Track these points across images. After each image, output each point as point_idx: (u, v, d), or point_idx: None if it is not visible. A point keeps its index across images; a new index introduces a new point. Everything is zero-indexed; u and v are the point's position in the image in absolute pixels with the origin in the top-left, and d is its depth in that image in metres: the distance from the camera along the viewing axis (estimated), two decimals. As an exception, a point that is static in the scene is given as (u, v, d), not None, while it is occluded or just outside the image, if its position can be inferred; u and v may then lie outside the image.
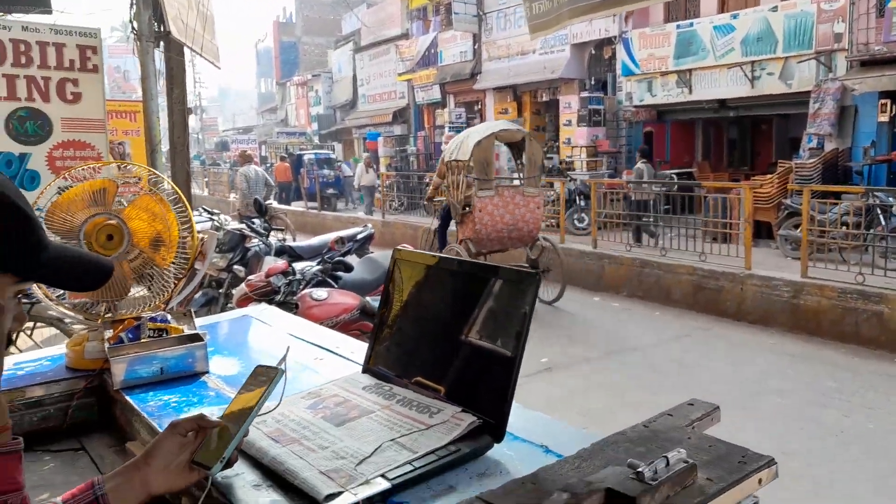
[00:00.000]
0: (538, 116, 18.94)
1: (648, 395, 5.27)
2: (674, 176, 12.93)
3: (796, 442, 4.37)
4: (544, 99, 18.36)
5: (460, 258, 1.42)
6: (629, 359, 6.18)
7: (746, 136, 16.74)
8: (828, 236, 7.54)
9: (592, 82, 16.46)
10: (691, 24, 13.66)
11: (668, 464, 0.80)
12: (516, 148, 9.17)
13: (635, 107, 15.36)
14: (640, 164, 11.55)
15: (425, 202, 11.65)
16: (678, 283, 8.25)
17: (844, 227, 7.65)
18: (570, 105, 16.26)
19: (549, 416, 1.28)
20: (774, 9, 12.24)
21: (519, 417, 1.12)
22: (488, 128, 8.88)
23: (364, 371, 1.41)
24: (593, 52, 16.44)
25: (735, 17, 12.92)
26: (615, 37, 15.29)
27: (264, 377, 1.11)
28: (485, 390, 1.16)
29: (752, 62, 12.66)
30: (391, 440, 1.08)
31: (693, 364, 5.98)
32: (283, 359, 1.12)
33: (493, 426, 1.07)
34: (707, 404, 1.08)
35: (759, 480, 0.84)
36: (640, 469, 0.78)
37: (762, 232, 10.15)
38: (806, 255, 7.21)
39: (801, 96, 12.01)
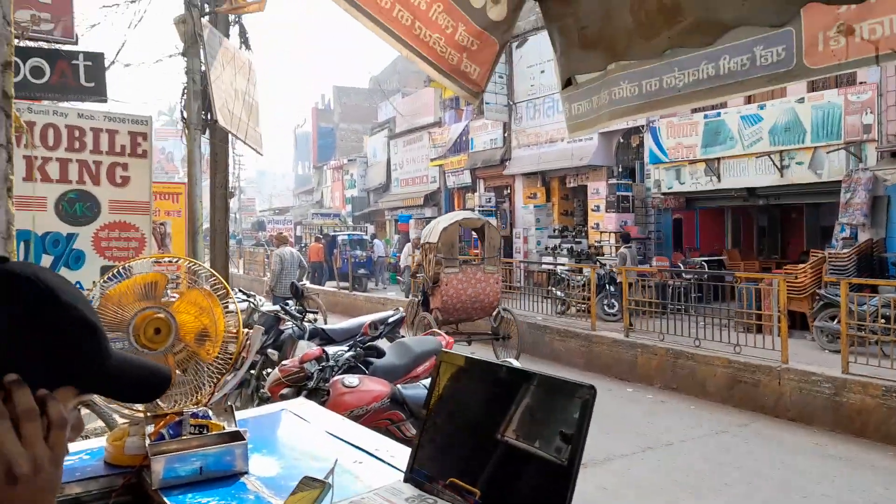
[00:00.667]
0: (566, 201, 19.13)
1: (686, 496, 5.04)
2: (703, 263, 12.84)
3: (847, 553, 4.10)
4: (572, 185, 18.59)
5: (504, 364, 1.40)
6: (664, 455, 5.95)
7: (776, 224, 16.66)
8: (867, 329, 7.34)
9: (620, 169, 16.65)
10: (718, 114, 13.87)
11: None
12: (480, 232, 10.64)
13: (664, 194, 15.44)
14: (623, 249, 11.71)
15: (411, 277, 13.25)
16: (713, 376, 8.03)
17: (884, 321, 7.44)
18: (598, 191, 16.42)
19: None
20: (801, 100, 12.40)
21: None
22: (454, 216, 10.75)
23: (406, 480, 1.37)
24: (621, 140, 16.72)
25: (762, 107, 13.10)
26: (643, 126, 15.56)
27: (310, 488, 1.08)
28: (536, 498, 1.13)
29: (781, 151, 12.74)
30: (439, 562, 1.04)
31: (731, 464, 5.73)
32: (331, 472, 1.09)
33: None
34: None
35: None
36: None
37: (796, 322, 9.93)
38: (846, 350, 6.99)
39: (831, 185, 11.98)
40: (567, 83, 2.85)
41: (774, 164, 12.85)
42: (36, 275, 0.76)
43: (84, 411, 4.48)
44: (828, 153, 12.07)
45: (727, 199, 14.83)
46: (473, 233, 11.52)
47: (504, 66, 19.10)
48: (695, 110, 14.80)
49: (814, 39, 2.03)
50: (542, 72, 18.03)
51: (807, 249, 13.21)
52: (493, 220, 13.35)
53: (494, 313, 10.17)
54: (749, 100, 13.94)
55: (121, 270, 1.75)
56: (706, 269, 11.70)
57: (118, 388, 0.86)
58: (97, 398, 1.68)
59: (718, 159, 13.89)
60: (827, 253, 10.54)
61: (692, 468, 5.61)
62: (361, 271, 18.73)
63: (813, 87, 12.82)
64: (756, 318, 8.80)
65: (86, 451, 1.70)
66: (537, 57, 18.19)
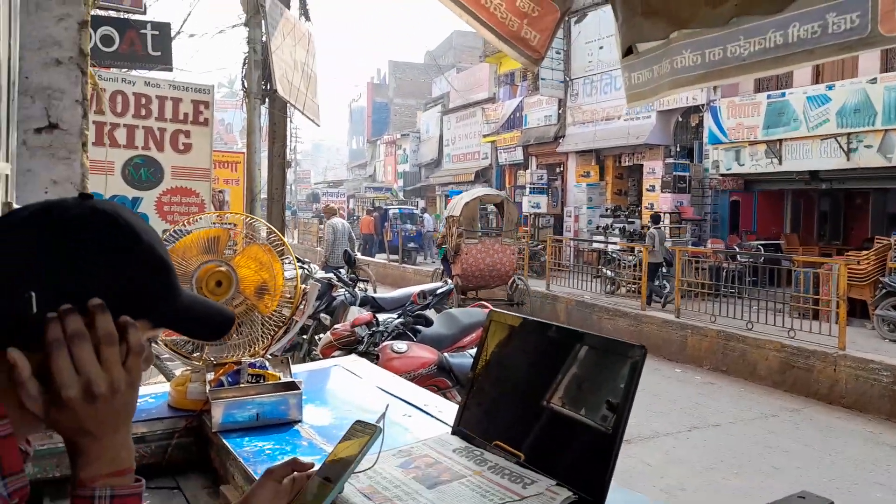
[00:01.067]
0: (620, 180, 18.81)
1: (732, 476, 4.99)
2: (760, 247, 12.50)
3: (899, 543, 4.01)
4: (627, 164, 18.26)
5: (555, 323, 1.41)
6: (711, 436, 5.89)
7: (839, 209, 16.03)
8: (933, 320, 7.06)
9: (678, 149, 16.27)
10: (783, 95, 13.38)
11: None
12: (500, 207, 12.25)
13: (722, 175, 15.03)
14: (652, 230, 11.57)
15: (436, 247, 14.27)
16: (765, 360, 7.86)
17: (952, 312, 7.14)
18: (654, 171, 16.09)
19: (643, 496, 1.23)
20: (874, 80, 11.85)
21: (613, 494, 1.09)
22: (475, 192, 12.48)
23: (453, 432, 1.41)
24: (680, 119, 16.30)
25: (830, 87, 12.58)
26: (703, 105, 15.13)
27: (362, 433, 1.12)
28: (578, 463, 1.13)
29: (849, 134, 12.22)
30: (484, 507, 1.07)
31: (780, 447, 5.63)
32: (383, 417, 1.13)
33: (589, 502, 1.05)
34: (821, 499, 1.02)
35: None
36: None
37: (856, 311, 9.60)
38: (909, 338, 6.75)
39: (902, 170, 11.48)
40: (627, 52, 2.80)
41: (841, 146, 12.34)
42: (118, 212, 0.81)
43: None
44: (899, 136, 11.54)
45: (788, 182, 14.35)
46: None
47: (561, 42, 18.78)
48: (758, 90, 14.32)
49: (891, 5, 1.95)
50: (601, 48, 17.67)
51: (871, 236, 12.70)
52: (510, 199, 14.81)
53: (510, 282, 11.39)
54: (816, 79, 13.40)
55: (181, 228, 1.82)
56: (762, 253, 11.40)
57: (187, 325, 0.90)
58: (162, 348, 1.76)
59: (780, 141, 13.42)
60: (893, 240, 10.12)
61: (738, 450, 5.54)
62: (411, 245, 18.88)
63: (887, 68, 12.23)
64: (813, 304, 8.56)
65: (151, 394, 1.79)
66: (596, 32, 17.82)
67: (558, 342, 1.31)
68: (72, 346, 0.73)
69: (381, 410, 1.51)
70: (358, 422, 1.16)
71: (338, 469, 1.06)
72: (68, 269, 0.76)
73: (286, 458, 1.10)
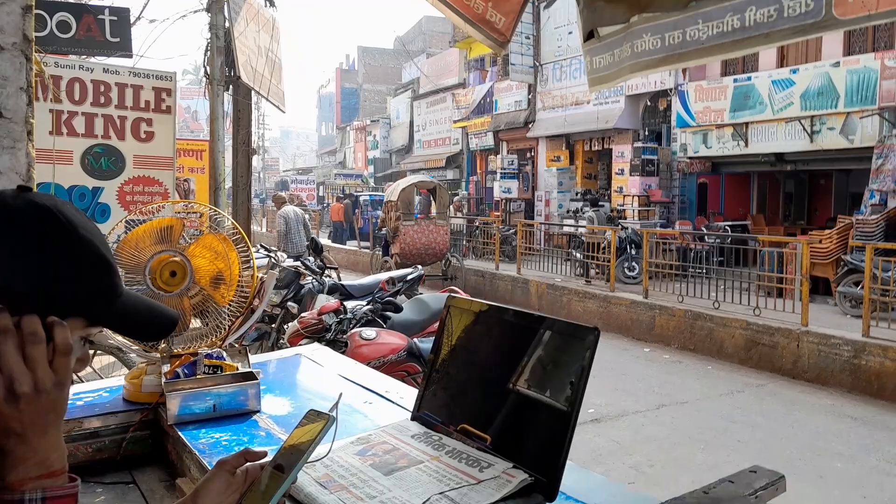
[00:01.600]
0: (590, 164, 18.93)
1: (698, 451, 5.08)
2: (727, 228, 12.69)
3: (859, 514, 4.13)
4: (597, 148, 18.36)
5: (514, 308, 1.41)
6: (679, 413, 5.99)
7: (804, 190, 16.34)
8: (891, 295, 7.23)
9: (646, 133, 16.40)
10: (749, 78, 13.54)
11: (730, 538, 0.76)
12: (433, 192, 13.68)
13: (689, 158, 15.20)
14: (590, 213, 11.86)
15: (378, 231, 15.09)
16: (731, 338, 8.00)
17: (910, 288, 7.33)
18: (623, 154, 16.21)
19: (601, 475, 1.24)
20: (836, 64, 12.04)
21: (571, 475, 1.09)
22: (410, 180, 14.14)
23: (413, 418, 1.40)
24: (648, 103, 16.43)
25: (795, 71, 12.76)
26: (671, 89, 15.25)
27: (315, 422, 1.11)
28: (536, 444, 1.14)
29: (812, 116, 12.43)
30: (440, 493, 1.07)
31: (745, 421, 5.76)
32: (336, 405, 1.12)
33: (545, 484, 1.05)
34: (771, 472, 1.04)
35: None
36: (701, 542, 0.75)
37: (819, 288, 9.81)
38: (868, 313, 6.93)
39: (863, 152, 11.69)
40: (589, 36, 2.80)
41: (805, 129, 12.55)
42: (57, 206, 0.79)
43: (107, 357, 4.62)
44: (861, 118, 11.75)
45: (754, 164, 14.57)
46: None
47: (530, 27, 18.76)
48: (724, 74, 14.47)
49: (842, -12, 1.97)
50: (570, 33, 17.67)
51: (834, 216, 12.98)
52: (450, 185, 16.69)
53: (444, 259, 12.62)
54: (781, 63, 13.58)
55: (135, 217, 1.78)
56: (729, 234, 11.57)
57: (126, 324, 0.88)
58: (118, 338, 1.73)
59: (747, 124, 13.61)
60: (854, 219, 10.35)
61: (706, 425, 5.65)
62: (382, 231, 18.79)
63: (849, 51, 12.43)
64: (778, 283, 8.72)
65: (105, 388, 1.76)
66: (565, 18, 17.82)
67: (517, 326, 1.31)
68: None
69: (343, 397, 1.50)
70: (311, 410, 1.14)
71: (291, 458, 1.05)
72: (2, 265, 0.74)
73: (239, 451, 1.08)
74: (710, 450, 5.11)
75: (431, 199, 14.02)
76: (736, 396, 6.58)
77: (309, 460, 1.07)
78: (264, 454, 1.04)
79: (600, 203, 15.98)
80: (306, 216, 11.88)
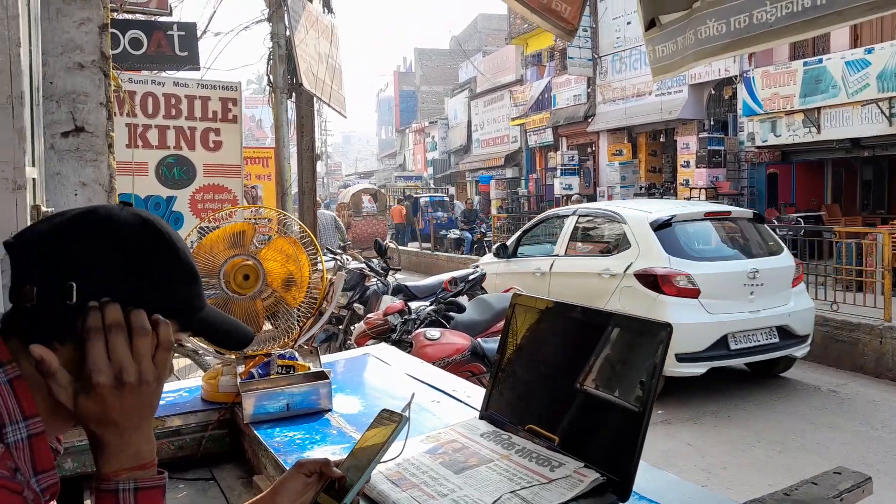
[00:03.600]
0: (654, 157, 18.52)
1: (775, 454, 4.90)
2: (800, 220, 12.20)
3: (953, 518, 3.90)
4: (661, 140, 17.95)
5: (580, 305, 1.39)
6: (752, 414, 5.79)
7: (883, 177, 15.53)
8: (985, 288, 6.82)
9: (712, 123, 15.93)
10: (820, 61, 12.98)
11: (816, 540, 0.73)
12: (374, 196, 20.98)
13: (758, 148, 14.68)
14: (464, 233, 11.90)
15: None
16: (808, 335, 7.69)
17: None
18: (688, 146, 15.79)
19: (677, 476, 1.22)
20: (916, 42, 11.44)
21: (644, 475, 1.08)
22: (358, 188, 21.91)
23: (481, 417, 1.41)
24: (712, 91, 15.96)
25: (870, 51, 12.16)
26: (736, 76, 14.78)
27: (388, 422, 1.13)
28: (607, 444, 1.12)
29: (890, 98, 11.82)
30: (511, 492, 1.06)
31: (824, 423, 5.52)
32: (408, 405, 1.13)
33: (617, 484, 1.04)
34: (857, 474, 0.99)
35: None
36: (785, 543, 0.73)
37: (903, 281, 9.32)
38: (959, 308, 6.54)
39: (948, 134, 11.07)
40: (650, 25, 2.74)
41: (882, 112, 11.94)
42: (157, 220, 0.87)
43: (183, 360, 4.80)
44: (944, 98, 11.12)
45: (828, 152, 13.96)
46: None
47: (588, 19, 18.50)
48: (793, 57, 13.92)
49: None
50: (629, 23, 17.35)
51: (918, 203, 12.31)
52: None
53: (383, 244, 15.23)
54: (855, 43, 12.97)
55: (207, 224, 1.85)
56: (802, 225, 11.12)
57: (211, 332, 0.95)
58: (194, 341, 1.79)
59: (818, 109, 13.04)
60: (940, 206, 9.79)
61: (782, 426, 5.44)
62: (443, 232, 18.90)
63: (929, 26, 11.78)
64: (857, 276, 8.33)
65: (184, 388, 1.83)
66: (622, 8, 17.52)
67: (585, 324, 1.29)
68: (108, 335, 0.77)
69: (408, 398, 1.52)
70: (384, 410, 1.16)
71: (365, 458, 1.07)
72: (113, 269, 0.80)
73: (316, 450, 1.11)
74: (788, 452, 4.93)
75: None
76: (814, 396, 6.31)
77: (383, 461, 1.09)
78: (341, 477, 1.06)
79: (657, 194, 15.62)
80: (339, 220, 12.18)
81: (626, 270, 6.25)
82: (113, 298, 0.79)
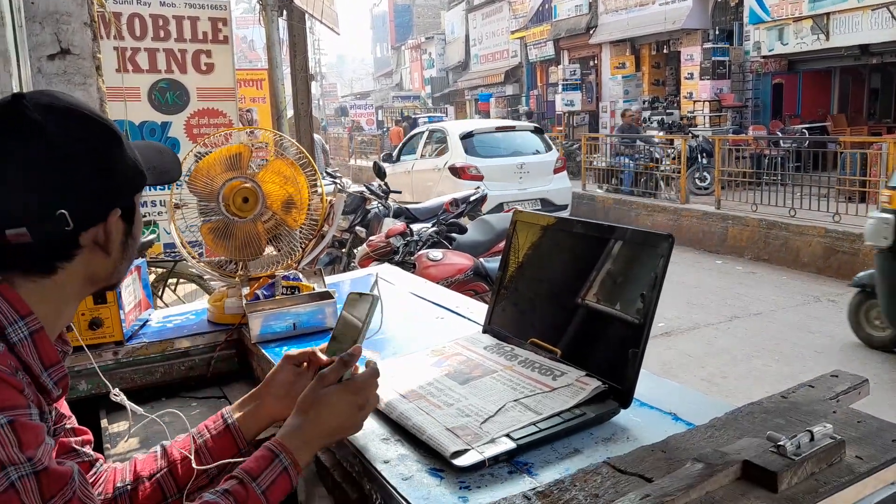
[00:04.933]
0: (657, 70, 18.10)
1: (773, 363, 5.02)
2: (804, 131, 12.03)
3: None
4: (664, 52, 17.49)
5: (582, 219, 1.39)
6: (752, 325, 5.89)
7: (891, 84, 15.20)
8: None
9: (717, 32, 15.47)
10: (832, -37, 12.49)
11: (812, 438, 0.76)
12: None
13: (764, 57, 14.32)
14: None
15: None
16: (808, 246, 7.73)
17: None
18: (692, 57, 15.40)
19: (678, 384, 1.24)
20: (932, -60, 10.95)
21: (645, 383, 1.10)
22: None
23: (484, 331, 1.43)
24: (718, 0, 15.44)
25: (884, -48, 11.66)
26: (744, -18, 14.25)
27: (361, 303, 1.15)
28: (608, 354, 1.14)
29: (903, 2, 11.44)
30: (515, 401, 1.09)
31: (823, 332, 5.62)
32: (375, 284, 1.15)
33: (619, 391, 1.06)
34: (853, 376, 1.01)
35: (917, 461, 0.78)
36: (781, 442, 0.75)
37: (908, 191, 9.27)
38: (961, 216, 6.52)
39: (960, 38, 10.76)
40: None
41: (893, 16, 11.57)
42: (77, 104, 0.85)
43: (189, 285, 4.86)
44: (958, 0, 10.74)
45: (836, 60, 13.62)
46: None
47: (589, -76, 17.70)
48: (803, -41, 13.36)
49: None
50: (631, -73, 16.60)
51: (926, 111, 12.10)
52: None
53: None
54: (868, -57, 12.42)
55: (201, 149, 1.82)
56: (806, 136, 10.98)
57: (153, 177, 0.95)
58: (199, 266, 1.81)
59: (828, 14, 12.64)
60: (948, 113, 9.62)
61: (780, 337, 5.55)
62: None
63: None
64: (861, 186, 8.28)
65: (191, 311, 1.85)
66: (625, -90, 16.70)
67: (586, 238, 1.29)
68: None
69: (415, 315, 1.54)
70: (352, 293, 1.18)
71: (348, 339, 1.10)
72: (81, 174, 0.81)
73: (306, 349, 1.13)
74: (786, 361, 5.04)
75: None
76: (813, 306, 6.41)
77: (368, 337, 1.11)
78: (329, 363, 1.09)
79: (660, 108, 15.43)
80: (325, 143, 12.75)
81: (444, 165, 9.70)
82: (89, 203, 0.81)
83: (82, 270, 0.84)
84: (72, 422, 0.96)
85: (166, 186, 1.38)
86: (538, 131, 10.59)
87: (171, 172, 1.03)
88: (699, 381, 4.69)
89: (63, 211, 0.78)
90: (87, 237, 0.82)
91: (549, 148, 10.27)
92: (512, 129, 10.59)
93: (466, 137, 9.76)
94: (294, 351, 1.11)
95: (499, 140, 10.09)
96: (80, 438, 0.97)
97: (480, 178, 8.98)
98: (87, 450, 0.98)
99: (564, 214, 8.18)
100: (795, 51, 13.63)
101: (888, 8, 11.57)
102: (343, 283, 2.09)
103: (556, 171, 9.90)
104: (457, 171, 9.34)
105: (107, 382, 1.32)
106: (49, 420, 0.82)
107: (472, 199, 6.37)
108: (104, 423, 1.46)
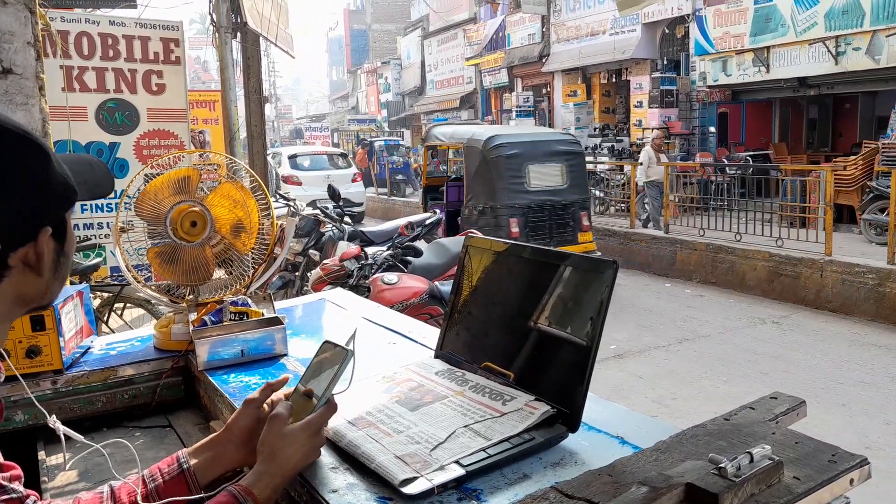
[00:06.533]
0: (608, 98, 18.55)
1: (721, 384, 5.13)
2: (748, 158, 12.47)
3: (881, 437, 4.17)
4: (614, 80, 17.96)
5: (532, 245, 1.41)
6: (701, 346, 6.03)
7: (828, 115, 15.92)
8: (919, 221, 7.12)
9: (665, 62, 15.98)
10: (770, 0, 13.06)
11: (752, 460, 0.77)
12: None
13: (709, 87, 14.83)
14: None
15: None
16: (753, 270, 7.97)
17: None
18: (641, 86, 15.85)
19: (624, 406, 1.26)
20: (863, -20, 11.56)
21: (593, 407, 1.11)
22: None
23: (436, 356, 1.43)
24: (666, 31, 15.95)
25: (819, -11, 12.27)
26: (688, 15, 14.77)
27: (334, 357, 1.12)
28: (558, 378, 1.15)
29: (837, 37, 12.00)
30: (465, 426, 1.09)
31: (768, 353, 5.78)
32: (352, 338, 1.13)
33: (567, 415, 1.07)
34: (791, 398, 1.05)
35: (851, 481, 0.80)
36: (722, 465, 0.77)
37: (844, 216, 9.69)
38: (894, 240, 6.83)
39: (889, 72, 11.34)
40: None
41: (829, 50, 12.15)
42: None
43: (136, 309, 4.73)
44: (887, 37, 11.33)
45: (776, 91, 14.19)
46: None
47: (541, -45, 18.15)
48: (745, -5, 13.95)
49: None
50: (582, -41, 17.09)
51: (859, 141, 12.67)
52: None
53: None
54: (805, -19, 13.04)
55: (151, 172, 1.79)
56: (751, 164, 11.37)
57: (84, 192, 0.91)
58: (147, 291, 1.76)
59: (768, 48, 13.19)
60: (881, 143, 10.10)
61: (728, 358, 5.68)
62: (399, 177, 18.73)
63: (875, -35, 11.89)
64: (801, 212, 8.62)
65: (136, 338, 1.80)
66: (576, -57, 17.19)
67: (536, 263, 1.31)
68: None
69: (366, 339, 1.53)
70: (327, 342, 1.16)
71: (317, 385, 1.07)
72: (6, 192, 0.77)
73: (264, 389, 1.11)
74: (733, 382, 5.16)
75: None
76: (758, 328, 6.59)
77: (334, 393, 1.09)
78: (286, 380, 1.07)
79: (610, 136, 15.78)
80: (275, 167, 15.20)
81: (280, 175, 14.22)
82: (16, 222, 0.79)
83: (12, 291, 0.81)
84: None
85: (113, 208, 1.35)
86: (343, 156, 17.27)
87: (103, 186, 1.00)
88: (650, 403, 4.76)
89: None
90: (17, 257, 0.79)
91: (349, 166, 16.74)
92: (325, 153, 17.27)
93: (292, 157, 15.90)
94: (254, 394, 1.08)
95: (314, 159, 16.31)
96: (7, 474, 0.92)
97: (300, 184, 14.45)
98: (17, 486, 0.93)
99: (359, 210, 11.22)
100: (738, 81, 14.16)
101: (824, 43, 12.14)
102: (295, 307, 2.06)
103: (353, 181, 15.78)
104: (284, 179, 14.86)
105: (44, 411, 1.27)
106: None
107: (428, 221, 6.39)
108: (41, 454, 1.40)
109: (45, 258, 0.82)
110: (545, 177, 7.86)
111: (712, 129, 14.84)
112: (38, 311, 0.90)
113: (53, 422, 1.25)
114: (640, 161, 10.66)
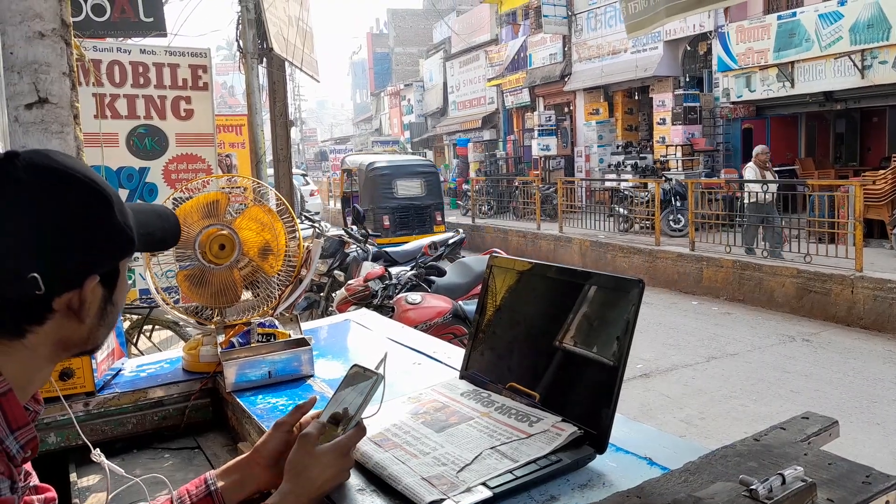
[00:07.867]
0: (630, 115, 18.51)
1: (750, 403, 5.04)
2: (775, 174, 12.33)
3: (919, 458, 4.05)
4: (637, 98, 17.93)
5: (557, 265, 1.41)
6: (729, 365, 5.93)
7: (855, 129, 15.69)
8: (953, 236, 6.98)
9: (687, 79, 15.92)
10: (794, 14, 12.97)
11: (784, 482, 0.76)
12: None
13: (733, 103, 14.73)
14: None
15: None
16: (782, 286, 7.84)
17: (972, 226, 7.05)
18: (664, 103, 15.80)
19: (652, 427, 1.25)
20: (888, -7, 11.45)
21: (621, 427, 1.11)
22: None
23: (461, 377, 1.43)
24: (688, 48, 15.91)
25: (842, 3, 12.16)
26: (711, 32, 14.73)
27: (363, 381, 1.13)
28: (584, 399, 1.14)
29: (863, 51, 11.88)
30: (491, 448, 1.09)
31: (798, 371, 5.67)
32: (382, 362, 1.14)
33: (594, 437, 1.06)
34: (824, 418, 1.03)
35: (887, 502, 0.79)
36: (753, 486, 0.76)
37: (874, 231, 9.51)
38: (928, 256, 6.69)
39: (919, 85, 11.18)
40: (622, -18, 2.72)
41: (855, 64, 12.01)
42: (70, 164, 0.83)
43: (165, 331, 4.79)
44: (915, 49, 11.20)
45: (801, 105, 14.04)
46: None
47: (561, -24, 18.28)
48: (767, 11, 13.89)
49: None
50: (603, -21, 17.18)
51: (888, 155, 12.47)
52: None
53: None
54: (828, -5, 12.96)
55: (180, 195, 1.83)
56: (777, 179, 11.24)
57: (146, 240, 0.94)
58: (174, 313, 1.79)
59: (792, 63, 13.08)
60: (911, 157, 9.93)
61: (758, 377, 5.58)
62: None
63: (901, -23, 11.78)
64: (829, 228, 8.48)
65: (165, 360, 1.83)
66: (596, -37, 17.30)
67: (561, 283, 1.31)
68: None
69: (389, 359, 1.53)
70: (356, 366, 1.17)
71: (344, 412, 1.08)
72: (58, 239, 0.78)
73: (294, 412, 1.12)
74: (763, 401, 5.07)
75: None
76: (788, 346, 6.47)
77: (363, 417, 1.10)
78: (314, 400, 1.08)
79: (633, 153, 15.69)
80: (300, 187, 15.35)
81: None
82: (63, 268, 0.79)
83: (54, 335, 0.81)
84: (34, 479, 0.94)
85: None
86: (304, 175, 19.90)
87: (168, 241, 1.01)
88: (678, 423, 4.69)
89: (35, 274, 0.75)
90: (61, 302, 0.80)
91: (307, 183, 19.26)
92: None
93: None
94: (284, 417, 1.09)
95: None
96: (42, 496, 0.94)
97: None
98: None
99: (317, 218, 11.10)
100: (762, 97, 14.05)
101: (850, 57, 12.02)
102: (320, 328, 2.08)
103: (311, 195, 18.82)
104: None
105: (85, 440, 1.28)
106: (18, 490, 0.80)
107: (451, 241, 6.41)
108: (73, 476, 1.42)
109: (89, 305, 0.82)
110: (408, 188, 11.86)
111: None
112: (82, 355, 0.90)
113: (98, 455, 1.26)
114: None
